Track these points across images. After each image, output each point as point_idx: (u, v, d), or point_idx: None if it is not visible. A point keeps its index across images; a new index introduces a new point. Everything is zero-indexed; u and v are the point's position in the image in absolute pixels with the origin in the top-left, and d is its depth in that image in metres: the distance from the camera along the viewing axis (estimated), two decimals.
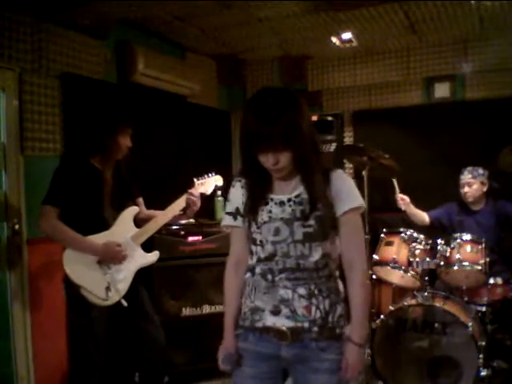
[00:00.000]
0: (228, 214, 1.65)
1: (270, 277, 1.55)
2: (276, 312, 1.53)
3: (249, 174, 1.61)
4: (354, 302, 1.60)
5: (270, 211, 1.56)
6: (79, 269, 2.36)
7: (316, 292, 1.54)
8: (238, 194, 1.63)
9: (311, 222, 1.52)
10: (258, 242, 1.57)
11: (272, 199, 1.58)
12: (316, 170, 1.56)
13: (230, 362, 1.60)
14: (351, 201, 1.57)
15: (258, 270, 1.58)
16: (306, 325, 1.52)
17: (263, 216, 1.56)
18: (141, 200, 2.74)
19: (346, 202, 1.56)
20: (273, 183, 1.60)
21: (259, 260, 1.58)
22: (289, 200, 1.56)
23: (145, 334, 2.57)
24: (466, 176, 3.49)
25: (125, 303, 2.42)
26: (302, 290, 1.52)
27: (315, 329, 1.52)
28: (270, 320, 1.54)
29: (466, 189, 3.48)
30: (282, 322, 1.52)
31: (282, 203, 1.56)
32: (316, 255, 1.54)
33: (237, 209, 1.63)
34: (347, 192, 1.58)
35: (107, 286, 2.38)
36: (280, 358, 1.57)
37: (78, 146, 2.63)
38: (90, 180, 2.42)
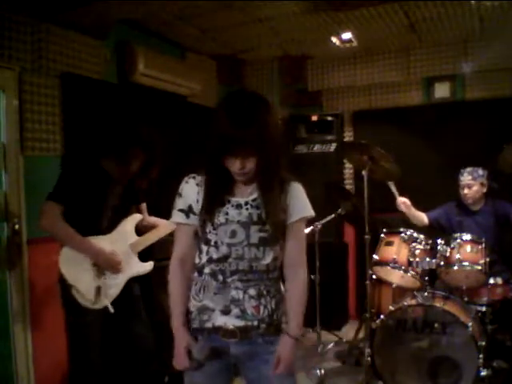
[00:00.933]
0: (180, 211, 1.63)
1: (221, 277, 1.57)
2: (226, 312, 1.57)
3: (211, 174, 1.60)
4: (295, 300, 1.65)
5: (227, 213, 1.57)
6: (74, 269, 2.35)
7: (265, 293, 1.59)
8: (191, 191, 1.62)
9: (267, 226, 1.57)
10: (212, 243, 1.58)
11: (229, 201, 1.59)
12: (275, 177, 1.59)
13: (200, 355, 1.59)
14: (304, 210, 1.64)
15: (207, 270, 1.59)
16: (255, 323, 1.58)
17: (220, 218, 1.57)
18: (144, 206, 2.74)
19: (299, 210, 1.63)
20: (231, 185, 1.61)
21: (210, 260, 1.58)
22: (246, 203, 1.59)
23: (136, 339, 2.57)
24: (466, 177, 3.48)
25: (111, 309, 2.40)
26: (252, 291, 1.57)
27: (263, 326, 1.59)
28: (219, 320, 1.58)
29: (466, 190, 3.48)
30: (232, 322, 1.57)
31: (239, 206, 1.58)
32: (268, 258, 1.59)
33: (189, 206, 1.62)
34: (300, 201, 1.64)
35: (98, 289, 2.38)
36: (229, 356, 1.62)
37: (86, 147, 2.61)
38: (98, 182, 2.41)
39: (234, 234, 1.56)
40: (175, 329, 1.63)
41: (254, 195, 1.60)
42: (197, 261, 1.63)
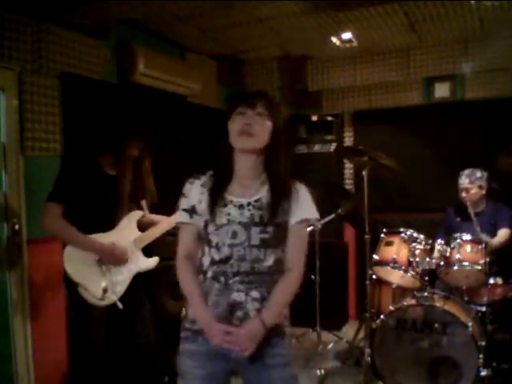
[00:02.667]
0: (184, 210, 1.63)
1: (223, 279, 1.56)
2: (228, 314, 1.55)
3: (219, 168, 1.63)
4: (279, 290, 1.60)
5: (229, 214, 1.57)
6: (79, 267, 2.36)
7: (267, 295, 1.57)
8: (195, 192, 1.63)
9: (269, 228, 1.56)
10: (213, 244, 1.58)
11: (231, 201, 1.58)
12: (281, 175, 1.62)
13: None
14: (307, 212, 1.63)
15: (209, 273, 1.58)
16: None
17: (222, 218, 1.56)
18: (144, 203, 2.74)
19: (303, 211, 1.62)
20: (235, 186, 1.62)
21: (213, 262, 1.58)
22: (248, 204, 1.58)
23: (139, 337, 2.57)
24: (464, 181, 3.48)
25: (120, 306, 2.41)
26: (255, 293, 1.56)
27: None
28: (222, 323, 1.55)
29: (464, 194, 3.47)
30: (234, 324, 1.54)
31: (241, 206, 1.58)
32: (270, 260, 1.58)
33: (193, 207, 1.62)
34: (304, 203, 1.64)
35: (105, 286, 2.38)
36: (229, 359, 1.58)
37: (84, 145, 2.62)
38: (94, 180, 2.41)
39: (235, 234, 1.55)
40: (203, 318, 1.56)
41: (258, 196, 1.60)
42: (200, 263, 1.63)
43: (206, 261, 1.60)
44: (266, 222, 1.56)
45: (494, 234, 3.39)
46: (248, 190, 1.60)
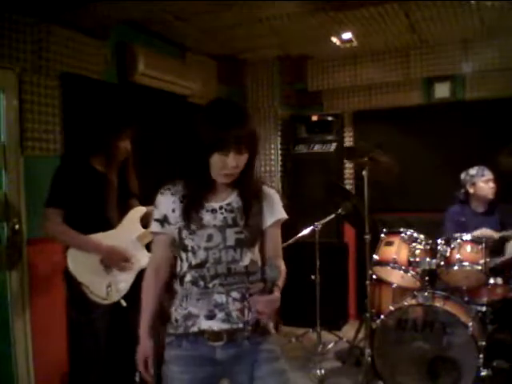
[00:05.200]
0: (156, 220, 1.67)
1: (202, 283, 1.58)
2: (211, 316, 1.57)
3: (195, 178, 1.62)
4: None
5: (202, 218, 1.59)
6: (82, 266, 2.36)
7: (247, 295, 1.59)
8: (167, 202, 1.65)
9: (243, 229, 1.60)
10: (189, 248, 1.60)
11: (204, 207, 1.61)
12: (252, 181, 1.66)
13: (152, 366, 1.64)
14: (279, 213, 1.71)
15: (188, 277, 1.60)
16: (241, 325, 1.58)
17: (196, 223, 1.59)
18: (136, 202, 2.74)
19: (275, 213, 1.69)
20: (208, 192, 1.64)
21: (190, 267, 1.60)
22: (220, 207, 1.62)
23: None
24: (488, 173, 3.50)
25: (124, 303, 2.42)
26: (235, 294, 1.58)
27: (248, 328, 1.59)
28: (204, 324, 1.57)
29: (491, 184, 3.49)
30: (218, 325, 1.57)
31: (213, 211, 1.61)
32: (246, 260, 1.61)
33: (165, 216, 1.65)
34: (274, 205, 1.70)
35: (108, 284, 2.39)
36: (216, 363, 1.60)
37: (77, 147, 2.63)
38: (90, 181, 2.42)
39: (210, 237, 1.58)
40: (141, 333, 1.69)
41: (229, 200, 1.64)
42: (178, 269, 1.65)
43: (184, 266, 1.62)
44: (239, 224, 1.60)
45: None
46: (219, 195, 1.64)
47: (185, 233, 1.60)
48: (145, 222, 2.63)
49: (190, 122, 1.61)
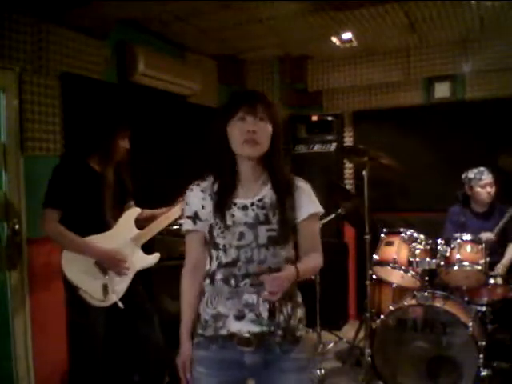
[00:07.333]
0: (188, 217, 1.63)
1: (233, 282, 1.54)
2: (240, 317, 1.53)
3: (222, 172, 1.61)
4: (309, 258, 1.64)
5: (233, 215, 1.56)
6: (77, 270, 2.36)
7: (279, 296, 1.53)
8: (196, 198, 1.62)
9: (275, 225, 1.55)
10: (220, 247, 1.56)
11: (235, 204, 1.57)
12: (283, 173, 1.62)
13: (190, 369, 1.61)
14: (313, 206, 1.64)
15: (218, 275, 1.57)
16: (272, 328, 1.52)
17: (227, 220, 1.55)
18: (132, 203, 2.74)
19: (309, 207, 1.62)
20: (237, 187, 1.61)
21: (220, 265, 1.56)
22: (252, 204, 1.57)
23: (143, 335, 2.57)
24: (488, 176, 3.46)
25: (121, 305, 2.41)
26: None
27: (279, 332, 1.54)
28: (234, 326, 1.53)
29: (489, 189, 3.46)
30: (247, 328, 1.52)
31: (244, 207, 1.57)
32: (279, 259, 1.56)
33: (195, 213, 1.61)
34: (309, 198, 1.64)
35: (105, 287, 2.38)
36: (243, 366, 1.56)
37: (74, 148, 2.63)
38: (87, 181, 2.42)
39: (241, 235, 1.54)
40: (181, 335, 1.64)
41: (260, 195, 1.59)
42: (208, 267, 1.61)
43: (214, 264, 1.58)
44: (271, 221, 1.55)
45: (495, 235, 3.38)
46: (250, 191, 1.60)
47: (216, 230, 1.57)
48: (140, 223, 2.63)
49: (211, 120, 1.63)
